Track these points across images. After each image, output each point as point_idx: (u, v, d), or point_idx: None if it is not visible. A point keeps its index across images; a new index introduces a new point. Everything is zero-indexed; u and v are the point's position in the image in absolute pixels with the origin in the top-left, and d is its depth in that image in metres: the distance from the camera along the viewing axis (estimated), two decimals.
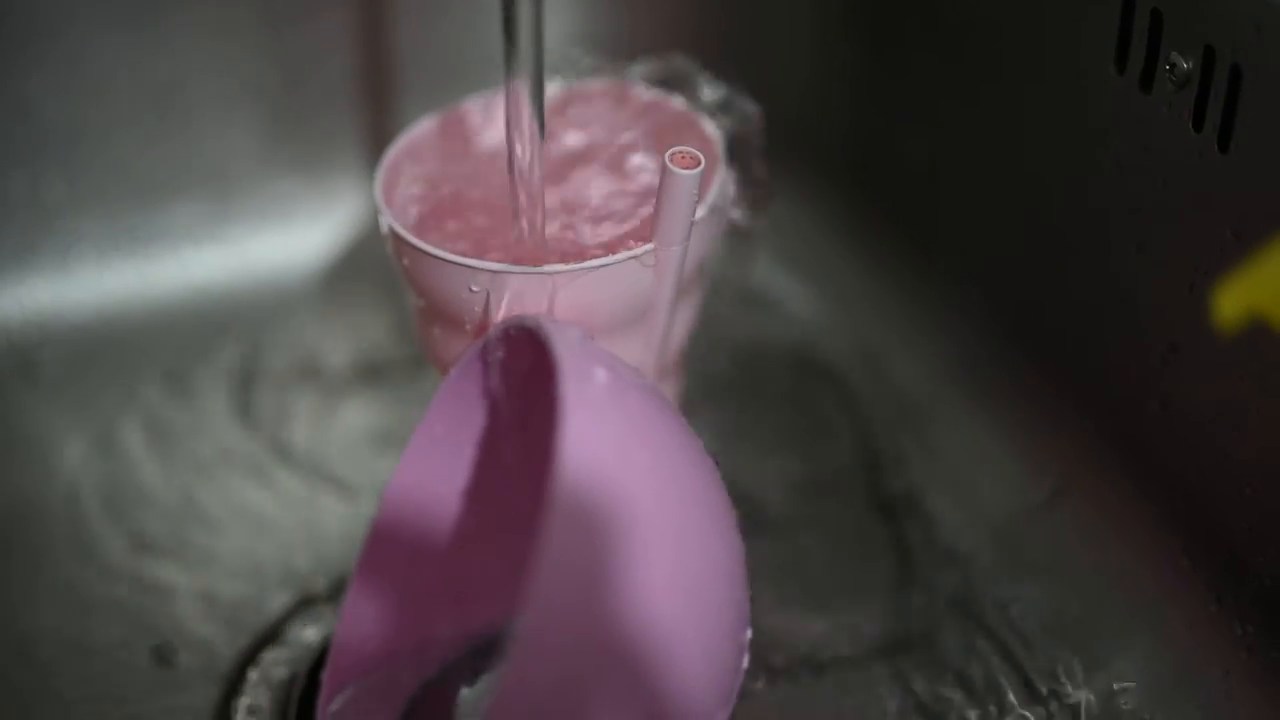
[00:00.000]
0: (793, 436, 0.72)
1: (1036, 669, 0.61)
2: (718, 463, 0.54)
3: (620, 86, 0.65)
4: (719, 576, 0.51)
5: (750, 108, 0.62)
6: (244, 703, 0.61)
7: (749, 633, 0.53)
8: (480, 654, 0.61)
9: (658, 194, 0.55)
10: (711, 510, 0.51)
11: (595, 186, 0.61)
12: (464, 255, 0.57)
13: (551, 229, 0.59)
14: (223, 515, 0.69)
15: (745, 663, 0.53)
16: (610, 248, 0.58)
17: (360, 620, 0.60)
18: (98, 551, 0.68)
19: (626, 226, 0.59)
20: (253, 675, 0.62)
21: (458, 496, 0.61)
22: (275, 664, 0.63)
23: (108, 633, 0.65)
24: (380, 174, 0.61)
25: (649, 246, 0.56)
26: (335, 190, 0.78)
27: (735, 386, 0.73)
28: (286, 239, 0.78)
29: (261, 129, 0.77)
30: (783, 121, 0.69)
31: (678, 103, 0.64)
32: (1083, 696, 0.60)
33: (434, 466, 0.60)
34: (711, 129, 0.62)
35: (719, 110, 0.63)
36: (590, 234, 0.59)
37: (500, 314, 0.56)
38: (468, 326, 0.58)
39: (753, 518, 0.66)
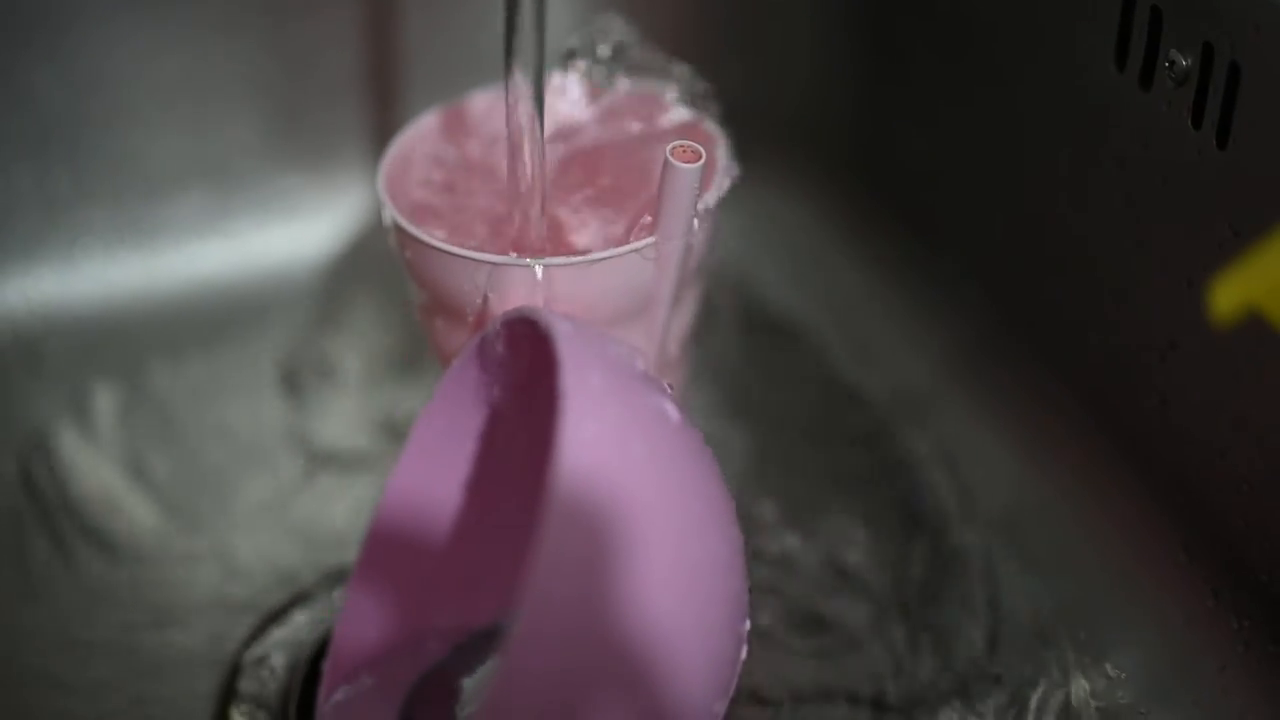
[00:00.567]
0: (791, 431, 0.72)
1: (1034, 662, 0.61)
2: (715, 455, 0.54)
3: (621, 86, 0.65)
4: (718, 568, 0.51)
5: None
6: (245, 693, 0.62)
7: (748, 624, 0.53)
8: (481, 645, 0.61)
9: (659, 188, 0.56)
10: (710, 502, 0.51)
11: (597, 179, 0.62)
12: (466, 248, 0.57)
13: (553, 222, 0.59)
14: (225, 505, 0.70)
15: (744, 654, 0.53)
16: (612, 241, 0.58)
17: (361, 611, 0.60)
18: (101, 542, 0.68)
19: (627, 220, 0.60)
20: (254, 665, 0.63)
21: (459, 488, 0.61)
22: (276, 653, 0.63)
23: (109, 621, 0.65)
24: (383, 167, 0.61)
25: (650, 240, 0.57)
26: (339, 184, 0.79)
27: (734, 381, 0.74)
28: (291, 232, 0.78)
29: (266, 123, 0.77)
30: (783, 117, 0.70)
31: (679, 102, 0.64)
32: (1080, 689, 0.60)
33: (436, 458, 0.60)
34: (713, 128, 0.62)
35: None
36: (592, 227, 0.60)
37: (502, 306, 0.57)
38: (469, 319, 0.58)
39: (750, 514, 0.67)
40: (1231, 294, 0.40)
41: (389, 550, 0.61)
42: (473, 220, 0.60)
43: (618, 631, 0.48)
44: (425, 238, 0.57)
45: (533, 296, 0.56)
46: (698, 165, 0.55)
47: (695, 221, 0.57)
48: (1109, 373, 0.63)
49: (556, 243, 0.59)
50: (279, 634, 0.64)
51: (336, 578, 0.65)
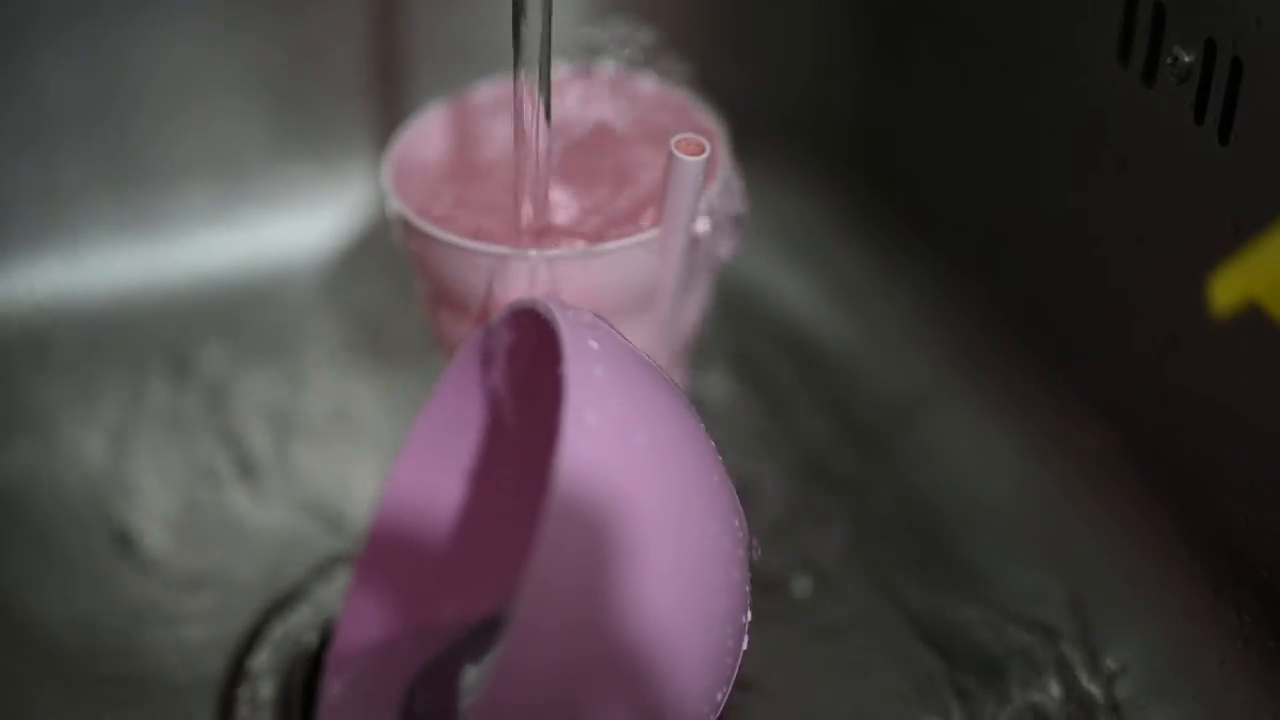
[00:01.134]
0: (793, 426, 0.72)
1: (1035, 656, 0.61)
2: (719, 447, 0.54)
3: (622, 75, 0.65)
4: (719, 559, 0.51)
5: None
6: (247, 683, 0.62)
7: (749, 615, 0.53)
8: (483, 636, 0.62)
9: (663, 180, 0.56)
10: (712, 493, 0.52)
11: (601, 173, 0.62)
12: (471, 240, 0.57)
13: (557, 214, 0.59)
14: (230, 497, 0.70)
15: (745, 644, 0.53)
16: (616, 233, 0.59)
17: (364, 601, 0.61)
18: (106, 533, 0.68)
19: (632, 212, 0.60)
20: (255, 657, 0.63)
21: (463, 478, 0.61)
22: (278, 645, 0.63)
23: (115, 610, 0.65)
24: (389, 159, 0.61)
25: (654, 232, 0.57)
26: (345, 175, 0.79)
27: (738, 376, 0.74)
28: (296, 223, 0.78)
29: (272, 114, 0.77)
30: (786, 114, 0.70)
31: (679, 94, 0.64)
32: (1081, 683, 0.60)
33: (440, 449, 0.60)
34: (712, 121, 0.62)
35: None
36: (596, 220, 0.60)
37: (506, 297, 0.57)
38: (474, 310, 0.58)
39: (750, 508, 0.67)
40: (1231, 288, 0.40)
41: (392, 540, 0.61)
42: (478, 212, 0.61)
43: (619, 622, 0.48)
44: (430, 229, 0.58)
45: (536, 288, 0.57)
46: (702, 158, 0.55)
47: (699, 214, 0.57)
48: (1111, 367, 0.63)
49: (561, 234, 0.59)
50: (283, 623, 0.64)
51: (341, 565, 0.66)
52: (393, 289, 0.76)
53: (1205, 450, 0.58)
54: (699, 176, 0.55)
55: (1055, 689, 0.60)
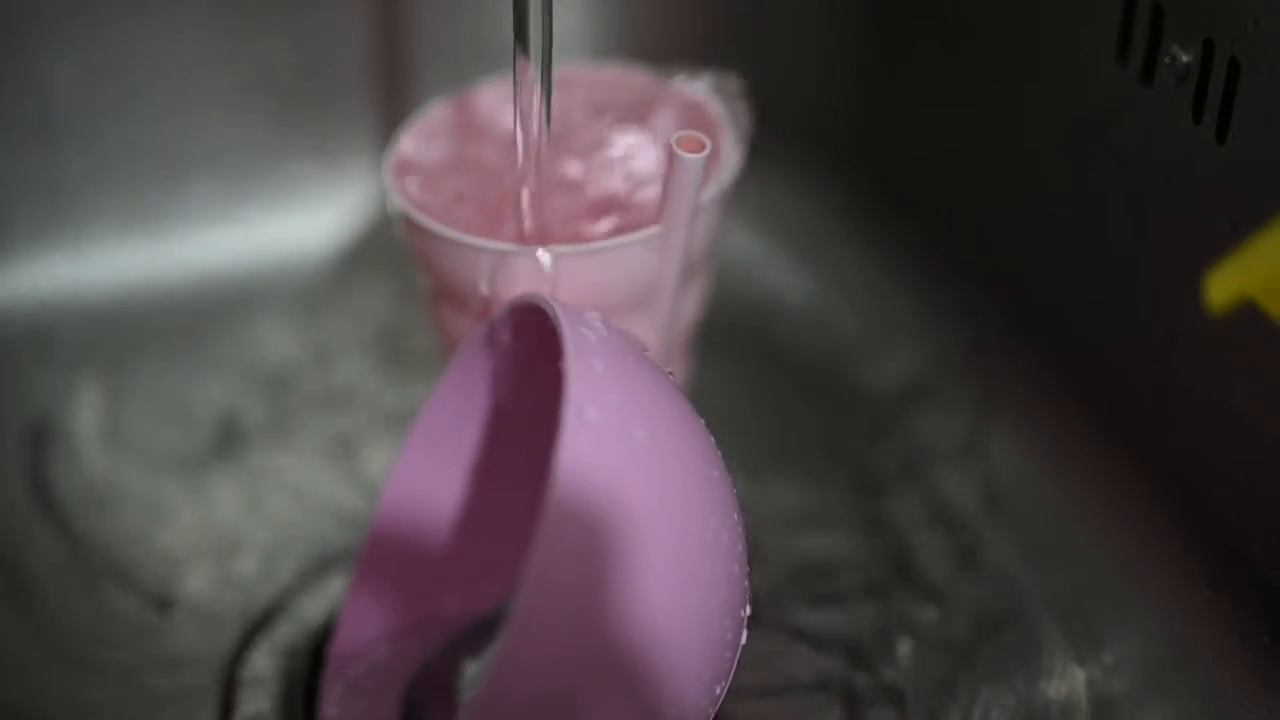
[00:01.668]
0: (792, 420, 0.72)
1: (1032, 650, 0.61)
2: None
3: (627, 71, 0.65)
4: (718, 554, 0.51)
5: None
6: (247, 679, 0.62)
7: (748, 609, 0.53)
8: (484, 630, 0.62)
9: (664, 178, 0.56)
10: (713, 488, 0.52)
11: (601, 170, 0.62)
12: (472, 236, 0.57)
13: (558, 211, 0.59)
14: (234, 490, 0.70)
15: (744, 638, 0.53)
16: (616, 230, 0.59)
17: (366, 596, 0.61)
18: (110, 526, 0.68)
19: (632, 209, 0.60)
20: (257, 650, 0.63)
21: (464, 474, 0.61)
22: (280, 638, 0.63)
23: (117, 605, 0.65)
24: (391, 156, 0.62)
25: (655, 229, 0.57)
26: (347, 172, 0.79)
27: (737, 371, 0.74)
28: (300, 220, 0.79)
29: (275, 111, 0.77)
30: (788, 111, 0.70)
31: (684, 86, 0.64)
32: (1077, 678, 0.60)
33: (441, 444, 0.61)
34: (719, 113, 0.62)
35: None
36: (596, 217, 0.60)
37: (507, 294, 0.57)
38: (475, 306, 0.59)
39: (748, 505, 0.67)
40: (1226, 285, 0.41)
41: (394, 535, 0.61)
42: (479, 208, 0.61)
43: (618, 617, 0.48)
44: (431, 225, 0.58)
45: (538, 284, 0.57)
46: (702, 155, 0.55)
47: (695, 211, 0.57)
48: (1108, 364, 0.63)
49: (562, 231, 0.59)
50: (284, 619, 0.64)
51: (344, 559, 0.66)
52: (395, 285, 0.77)
53: (1202, 446, 0.58)
54: (699, 174, 0.56)
55: (1051, 684, 0.60)
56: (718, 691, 0.52)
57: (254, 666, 0.62)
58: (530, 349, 0.58)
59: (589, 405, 0.48)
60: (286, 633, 0.64)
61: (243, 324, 0.76)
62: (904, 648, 0.63)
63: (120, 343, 0.75)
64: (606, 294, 0.58)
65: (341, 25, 0.76)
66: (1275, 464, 0.55)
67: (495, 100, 0.65)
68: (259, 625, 0.64)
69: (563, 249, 0.57)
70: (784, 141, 0.78)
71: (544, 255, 0.56)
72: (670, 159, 0.55)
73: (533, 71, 0.55)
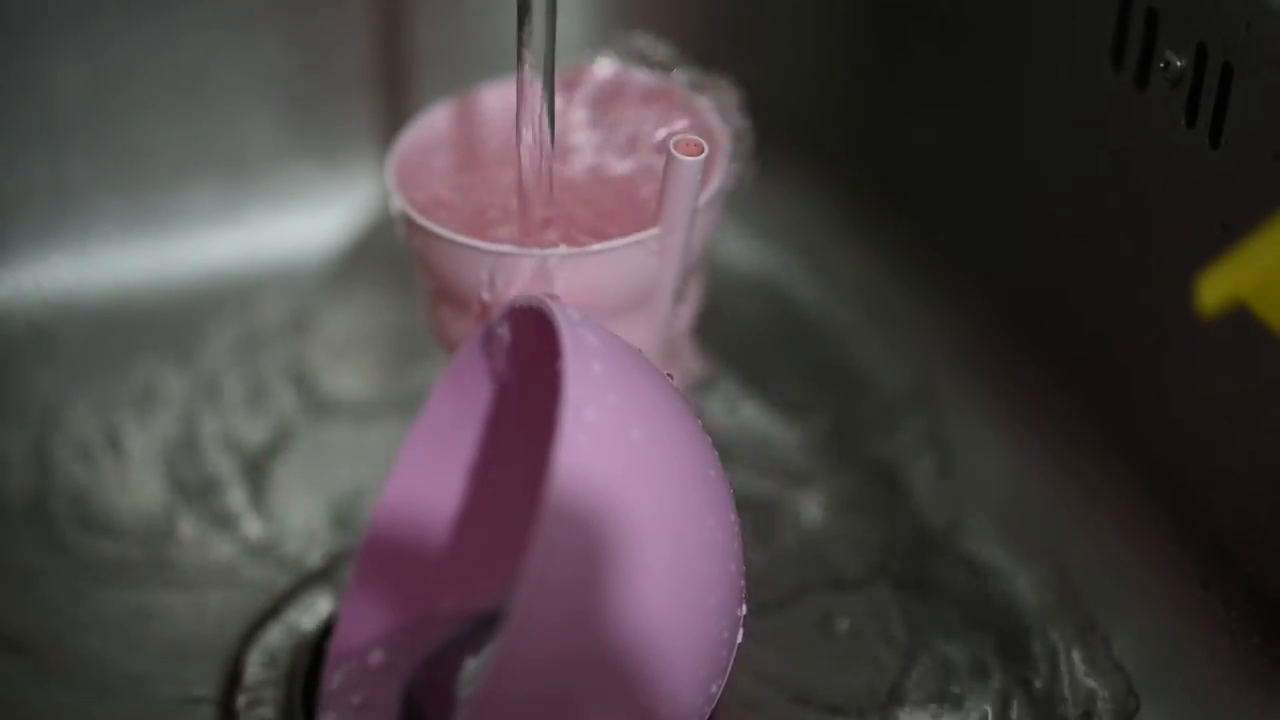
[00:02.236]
0: (791, 422, 0.72)
1: (1025, 650, 0.62)
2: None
3: (626, 73, 0.65)
4: (715, 553, 0.51)
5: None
6: (250, 674, 0.62)
7: (744, 608, 0.53)
8: (483, 628, 0.62)
9: (662, 180, 0.56)
10: (710, 488, 0.52)
11: (602, 171, 0.62)
12: (473, 238, 0.58)
13: (557, 213, 0.60)
14: (236, 491, 0.70)
15: (740, 637, 0.53)
16: (615, 231, 0.59)
17: (365, 593, 0.61)
18: (111, 526, 0.68)
19: (631, 211, 0.60)
20: (255, 652, 0.63)
21: (464, 473, 0.61)
22: (281, 634, 0.64)
23: (116, 601, 0.65)
24: (393, 158, 0.62)
25: (653, 231, 0.57)
26: (350, 174, 0.79)
27: (736, 371, 0.74)
28: (302, 222, 0.79)
29: (279, 113, 0.77)
30: (788, 112, 0.70)
31: (682, 89, 0.64)
32: (1071, 677, 0.60)
33: (441, 444, 0.61)
34: (715, 116, 0.62)
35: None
36: (596, 219, 0.60)
37: (507, 295, 0.57)
38: (475, 307, 0.59)
39: (746, 507, 0.67)
40: (1218, 288, 0.41)
41: (393, 534, 0.61)
42: (480, 210, 0.61)
43: (616, 615, 0.48)
44: (432, 227, 0.58)
45: (537, 286, 0.57)
46: (700, 158, 0.55)
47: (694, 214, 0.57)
48: (1103, 366, 0.64)
49: (562, 233, 0.60)
50: (284, 616, 0.64)
51: (343, 559, 0.66)
52: (396, 286, 0.77)
53: (1195, 447, 0.59)
54: (697, 176, 0.56)
55: (1046, 683, 0.60)
56: (714, 690, 0.53)
57: (254, 666, 0.63)
58: (529, 349, 0.58)
59: (587, 406, 0.49)
60: (287, 632, 0.64)
61: (245, 325, 0.77)
62: (894, 646, 0.63)
63: (123, 343, 0.75)
64: (606, 295, 0.58)
65: (344, 27, 0.76)
66: (1266, 465, 0.55)
67: (497, 102, 0.65)
68: (259, 625, 0.64)
69: (561, 251, 0.57)
70: (782, 142, 0.77)
71: (543, 257, 0.57)
72: (668, 162, 0.55)
73: (535, 72, 0.56)
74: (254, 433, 0.73)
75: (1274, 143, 0.52)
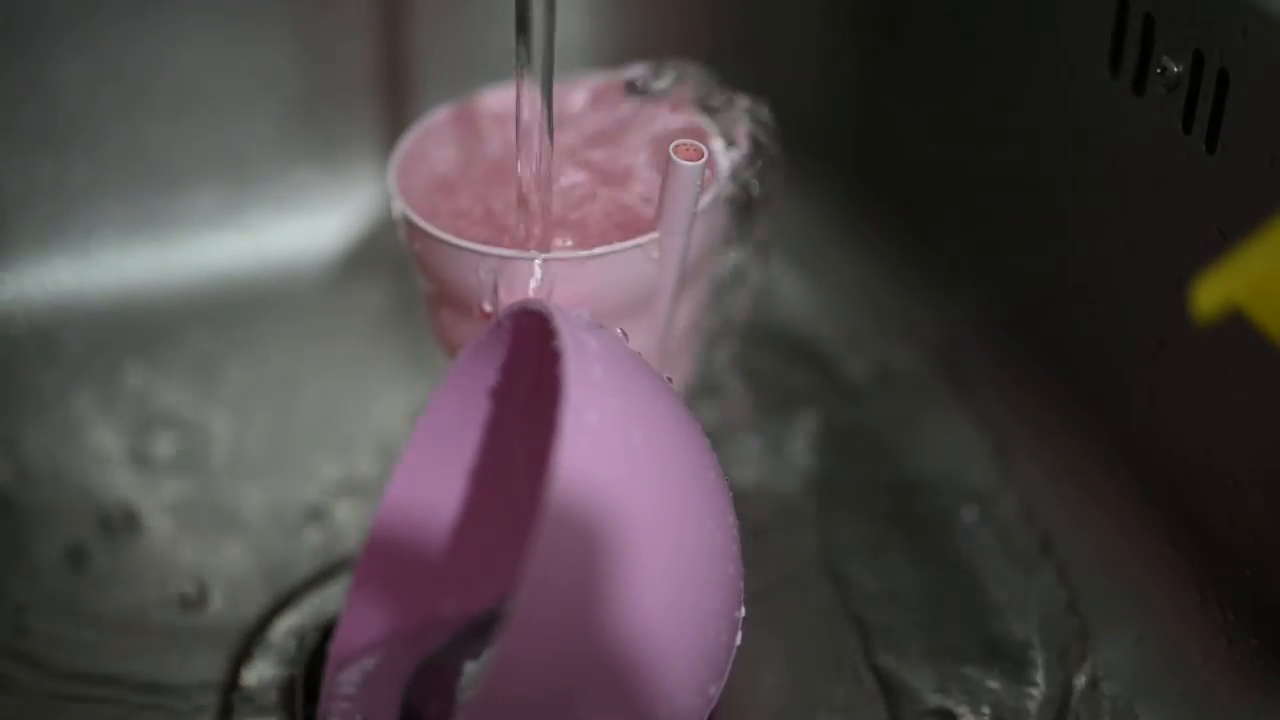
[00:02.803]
0: (791, 426, 0.72)
1: (1021, 653, 0.62)
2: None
3: (621, 80, 0.65)
4: (714, 556, 0.51)
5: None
6: (252, 674, 0.63)
7: (742, 610, 0.53)
8: (484, 630, 0.62)
9: (661, 185, 0.57)
10: (708, 491, 0.52)
11: (602, 175, 0.63)
12: (473, 242, 0.58)
13: (558, 217, 0.60)
14: (239, 492, 0.70)
15: (739, 639, 0.53)
16: (616, 235, 0.59)
17: (367, 595, 0.61)
18: (116, 528, 0.69)
19: (631, 216, 0.60)
20: (257, 652, 0.63)
21: (464, 477, 0.62)
22: (283, 637, 0.64)
23: (126, 602, 0.66)
24: (394, 162, 0.62)
25: (653, 236, 0.57)
26: (352, 178, 0.79)
27: (735, 375, 0.74)
28: (304, 225, 0.79)
29: (280, 117, 0.77)
30: (789, 118, 0.69)
31: (678, 97, 0.65)
32: (1067, 681, 0.61)
33: (442, 447, 0.61)
34: (709, 125, 0.63)
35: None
36: (596, 221, 0.60)
37: (508, 299, 0.57)
38: (476, 311, 0.59)
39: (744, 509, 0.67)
40: (1213, 293, 0.41)
41: (395, 536, 0.61)
42: (481, 214, 0.61)
43: (615, 617, 0.48)
44: (433, 231, 0.58)
45: (538, 290, 0.57)
46: (700, 163, 0.55)
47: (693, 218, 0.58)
48: (1100, 370, 0.64)
49: (562, 236, 0.60)
50: (287, 617, 0.65)
51: (344, 565, 0.66)
52: (397, 290, 0.77)
53: (1191, 451, 0.59)
54: (697, 181, 0.56)
55: (1042, 686, 0.61)
56: (712, 692, 0.53)
57: (255, 667, 0.63)
58: (530, 353, 0.58)
59: (588, 409, 0.49)
60: (288, 633, 0.64)
61: (246, 328, 0.77)
62: (894, 650, 0.63)
63: (124, 346, 0.75)
64: (606, 298, 0.58)
65: (346, 31, 0.76)
66: (1263, 469, 0.56)
67: (498, 106, 0.65)
68: (260, 624, 0.64)
69: (562, 254, 0.57)
70: (784, 148, 0.78)
71: (543, 261, 0.57)
72: (668, 166, 0.56)
73: (534, 77, 0.56)
74: (254, 435, 0.73)
75: (1270, 148, 0.52)
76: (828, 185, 0.80)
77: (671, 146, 0.55)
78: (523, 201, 0.59)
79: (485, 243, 0.58)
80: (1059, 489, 0.66)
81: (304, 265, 0.79)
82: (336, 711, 0.59)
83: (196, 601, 0.66)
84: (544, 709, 0.49)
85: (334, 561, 0.67)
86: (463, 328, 0.61)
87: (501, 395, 0.60)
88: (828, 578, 0.66)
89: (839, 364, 0.75)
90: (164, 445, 0.72)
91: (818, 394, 0.74)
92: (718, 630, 0.52)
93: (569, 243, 0.59)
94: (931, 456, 0.70)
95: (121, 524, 0.69)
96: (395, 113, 0.78)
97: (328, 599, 0.65)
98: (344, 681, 0.60)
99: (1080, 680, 0.61)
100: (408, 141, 0.63)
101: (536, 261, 0.57)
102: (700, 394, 0.71)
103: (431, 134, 0.64)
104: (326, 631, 0.63)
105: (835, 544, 0.67)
